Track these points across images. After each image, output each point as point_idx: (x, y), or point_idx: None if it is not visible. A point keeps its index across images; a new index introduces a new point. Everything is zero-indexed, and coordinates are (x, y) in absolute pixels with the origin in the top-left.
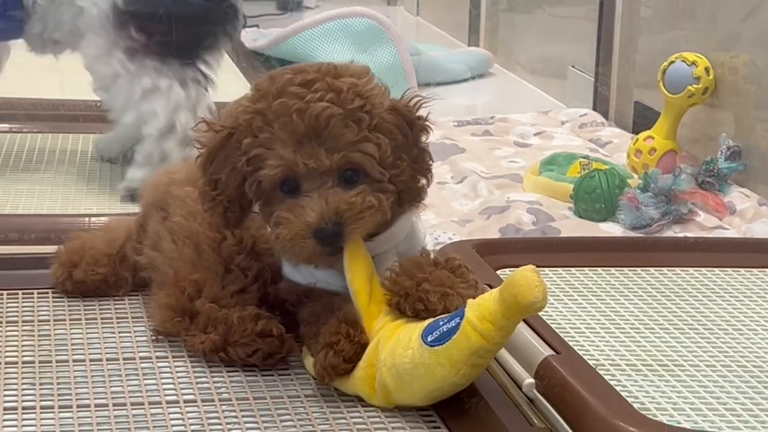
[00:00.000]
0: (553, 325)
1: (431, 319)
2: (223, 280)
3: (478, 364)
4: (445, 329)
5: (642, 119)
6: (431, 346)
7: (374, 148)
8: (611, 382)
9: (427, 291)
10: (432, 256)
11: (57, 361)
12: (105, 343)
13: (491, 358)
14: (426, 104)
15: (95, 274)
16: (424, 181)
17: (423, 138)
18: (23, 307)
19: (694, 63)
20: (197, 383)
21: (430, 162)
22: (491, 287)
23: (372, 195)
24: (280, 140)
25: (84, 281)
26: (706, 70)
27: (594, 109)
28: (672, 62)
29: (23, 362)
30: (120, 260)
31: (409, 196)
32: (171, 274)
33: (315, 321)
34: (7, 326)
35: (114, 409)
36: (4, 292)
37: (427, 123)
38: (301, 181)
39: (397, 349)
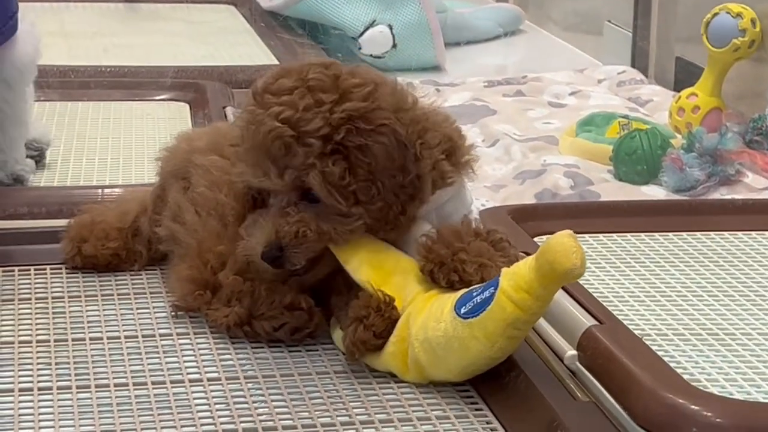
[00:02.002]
0: (595, 294)
1: (464, 290)
2: None
3: (515, 336)
4: (478, 300)
5: (684, 75)
6: (465, 318)
7: (324, 176)
8: (658, 353)
9: (463, 261)
10: (474, 225)
11: (73, 340)
12: (123, 320)
13: (528, 330)
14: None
15: (105, 249)
16: (410, 204)
17: (423, 164)
18: (36, 283)
19: (739, 14)
20: (221, 360)
21: (425, 189)
22: (528, 255)
23: (315, 223)
24: (243, 151)
25: (95, 255)
26: (752, 21)
27: (633, 66)
28: (716, 14)
29: (38, 341)
30: (133, 234)
31: (383, 224)
32: (194, 246)
33: (347, 290)
34: (20, 303)
35: (134, 389)
36: (16, 269)
37: (429, 149)
38: (267, 195)
39: (429, 323)
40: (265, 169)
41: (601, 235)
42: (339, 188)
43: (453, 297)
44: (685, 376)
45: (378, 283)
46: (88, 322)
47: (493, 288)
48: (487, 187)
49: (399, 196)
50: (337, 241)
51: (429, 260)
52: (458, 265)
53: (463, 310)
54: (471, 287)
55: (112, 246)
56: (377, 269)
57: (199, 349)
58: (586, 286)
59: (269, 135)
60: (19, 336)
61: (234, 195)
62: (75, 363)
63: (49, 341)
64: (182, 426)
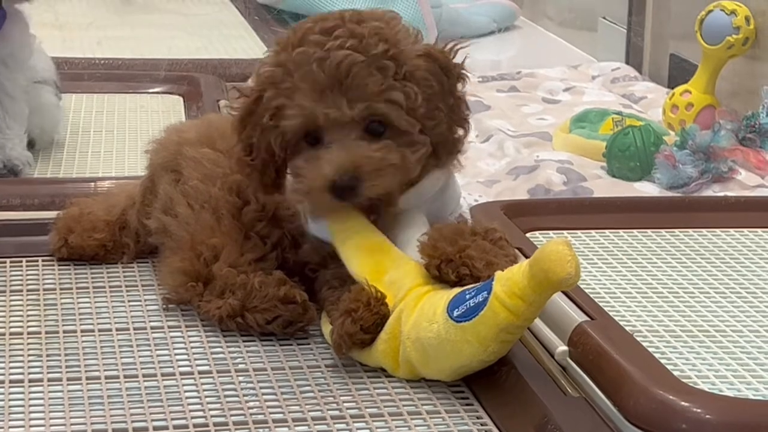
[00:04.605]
0: (587, 290)
1: (457, 290)
2: (241, 247)
3: (507, 340)
4: (472, 304)
5: (678, 72)
6: (457, 321)
7: (401, 97)
8: (649, 349)
9: (471, 257)
10: (469, 225)
11: (64, 332)
12: (114, 312)
13: (521, 334)
14: (463, 49)
15: (92, 240)
16: (461, 132)
17: (460, 86)
18: (27, 275)
19: (733, 12)
20: (212, 353)
21: (468, 112)
22: (521, 251)
23: (396, 150)
24: (301, 90)
25: (81, 247)
26: (747, 19)
27: (627, 62)
28: (710, 11)
29: (29, 333)
30: (120, 227)
31: (446, 149)
32: (186, 238)
33: (340, 285)
34: (11, 295)
35: (125, 381)
36: (7, 260)
37: (465, 70)
38: (324, 133)
39: (422, 323)
40: (333, 102)
41: (593, 232)
42: (411, 112)
43: (446, 297)
44: (676, 373)
45: (372, 277)
46: (80, 314)
47: (486, 292)
48: (480, 183)
49: (453, 119)
50: (411, 172)
51: (435, 257)
52: (467, 260)
53: (455, 313)
54: (464, 288)
55: (99, 237)
56: (373, 263)
57: (191, 342)
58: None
59: (341, 65)
60: (10, 327)
61: (252, 181)
62: (66, 355)
63: (40, 333)
64: (173, 419)
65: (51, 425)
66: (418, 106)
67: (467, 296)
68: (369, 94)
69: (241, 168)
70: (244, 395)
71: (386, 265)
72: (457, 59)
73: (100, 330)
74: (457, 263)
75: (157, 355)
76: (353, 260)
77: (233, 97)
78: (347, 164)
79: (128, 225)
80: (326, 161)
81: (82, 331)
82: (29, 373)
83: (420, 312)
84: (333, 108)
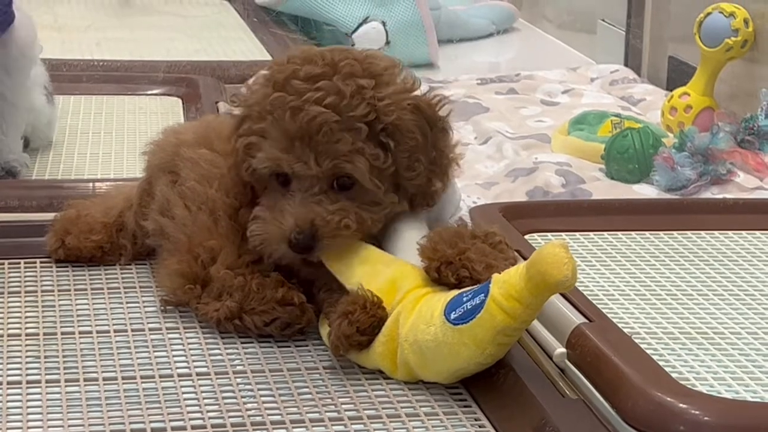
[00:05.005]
0: (585, 292)
1: (455, 293)
2: (239, 249)
3: (504, 342)
4: (469, 306)
5: (677, 75)
6: (455, 324)
7: (370, 159)
8: (647, 351)
9: (471, 260)
10: (469, 228)
11: (62, 333)
12: (112, 314)
13: (518, 337)
14: (448, 104)
15: (89, 242)
16: (439, 185)
17: (443, 139)
18: (26, 276)
19: (732, 14)
20: (210, 355)
21: (449, 165)
22: (519, 253)
23: (355, 213)
24: (272, 136)
25: (78, 248)
26: (745, 21)
27: (626, 64)
28: (708, 13)
29: (27, 334)
30: (118, 228)
31: (422, 200)
32: (184, 240)
33: (338, 288)
34: (9, 297)
35: (123, 383)
36: (5, 262)
37: (448, 124)
38: (292, 177)
39: (419, 325)
40: (301, 156)
41: (591, 234)
42: (379, 172)
43: (443, 299)
44: (674, 375)
45: (368, 281)
46: (78, 315)
47: (483, 295)
48: (478, 185)
49: (434, 171)
50: (370, 230)
51: (435, 259)
52: (467, 263)
53: (453, 316)
54: (461, 290)
55: (96, 239)
56: (366, 272)
57: (189, 343)
58: (576, 284)
59: (313, 121)
60: (9, 329)
61: (234, 181)
62: (64, 356)
63: (38, 334)
64: (171, 420)
65: (49, 427)
66: (387, 166)
67: (464, 299)
68: (337, 152)
69: (231, 176)
70: (242, 397)
71: (379, 269)
72: (443, 112)
73: (98, 332)
74: (456, 266)
75: (155, 357)
76: (346, 274)
77: (232, 103)
78: (304, 224)
79: (126, 227)
80: (286, 215)
81: (80, 332)
82: (27, 375)
83: (418, 314)
84: (300, 162)
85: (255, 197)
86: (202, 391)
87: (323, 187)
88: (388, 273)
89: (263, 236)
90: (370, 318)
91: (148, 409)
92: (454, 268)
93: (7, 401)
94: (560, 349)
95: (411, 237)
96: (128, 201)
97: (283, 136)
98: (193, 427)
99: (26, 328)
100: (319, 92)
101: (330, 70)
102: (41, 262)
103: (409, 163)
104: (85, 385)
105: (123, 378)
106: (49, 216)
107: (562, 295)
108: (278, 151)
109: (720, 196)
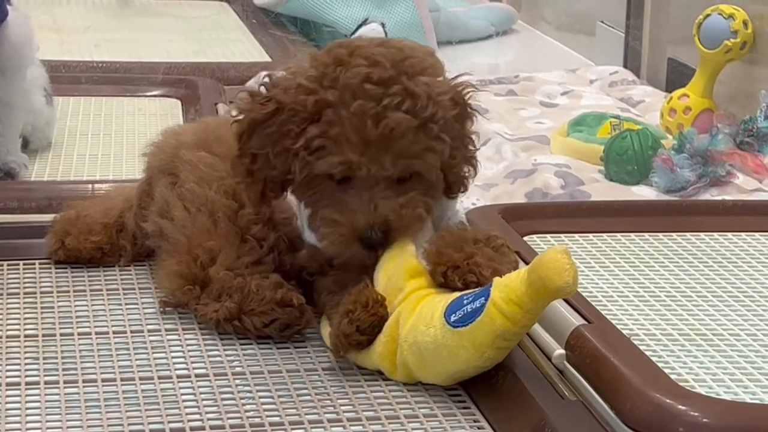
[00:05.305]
0: (584, 293)
1: (455, 295)
2: (238, 250)
3: (503, 347)
4: (469, 309)
5: (676, 76)
6: (454, 326)
7: (436, 158)
8: (646, 353)
9: (479, 265)
10: (471, 232)
11: (61, 335)
12: (111, 315)
13: (517, 341)
14: (475, 92)
15: (89, 243)
16: (471, 171)
17: (470, 126)
18: (25, 278)
19: (731, 16)
20: (209, 357)
21: (476, 150)
22: (518, 254)
23: (422, 203)
24: (349, 141)
25: (78, 249)
26: (744, 23)
27: (625, 66)
28: (708, 15)
29: (26, 335)
30: (118, 229)
31: (457, 187)
32: (183, 242)
33: (340, 290)
34: (8, 298)
35: (122, 384)
36: (5, 263)
37: (474, 111)
38: (356, 178)
39: (419, 326)
40: (377, 158)
41: (591, 235)
42: (443, 163)
43: (444, 301)
44: (673, 376)
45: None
46: (77, 317)
47: (483, 298)
48: (477, 186)
49: (467, 158)
50: (428, 219)
51: (441, 263)
52: (474, 267)
53: (453, 318)
54: (462, 293)
55: (95, 240)
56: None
57: (188, 345)
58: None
59: (399, 127)
60: (7, 330)
61: (252, 190)
62: (63, 358)
63: (37, 336)
64: (169, 422)
65: (48, 428)
66: (447, 157)
67: (465, 301)
68: (412, 153)
69: (236, 172)
70: (241, 398)
71: (387, 266)
72: (470, 98)
73: (97, 333)
74: (464, 270)
75: (154, 358)
76: (380, 281)
77: (243, 99)
78: (379, 219)
79: (125, 228)
80: (360, 213)
81: (78, 334)
82: (26, 376)
83: (418, 315)
84: (376, 164)
85: (265, 197)
86: (201, 393)
87: (387, 183)
88: (393, 272)
89: (338, 238)
90: (370, 317)
91: (146, 410)
92: (461, 272)
93: (6, 403)
94: (559, 351)
95: (416, 239)
96: (128, 202)
97: (361, 141)
98: (191, 429)
99: (25, 329)
100: (397, 97)
101: (396, 71)
102: (40, 264)
103: (452, 151)
104: (84, 387)
105: (122, 379)
106: (48, 217)
107: None
108: (353, 155)
109: (719, 198)
